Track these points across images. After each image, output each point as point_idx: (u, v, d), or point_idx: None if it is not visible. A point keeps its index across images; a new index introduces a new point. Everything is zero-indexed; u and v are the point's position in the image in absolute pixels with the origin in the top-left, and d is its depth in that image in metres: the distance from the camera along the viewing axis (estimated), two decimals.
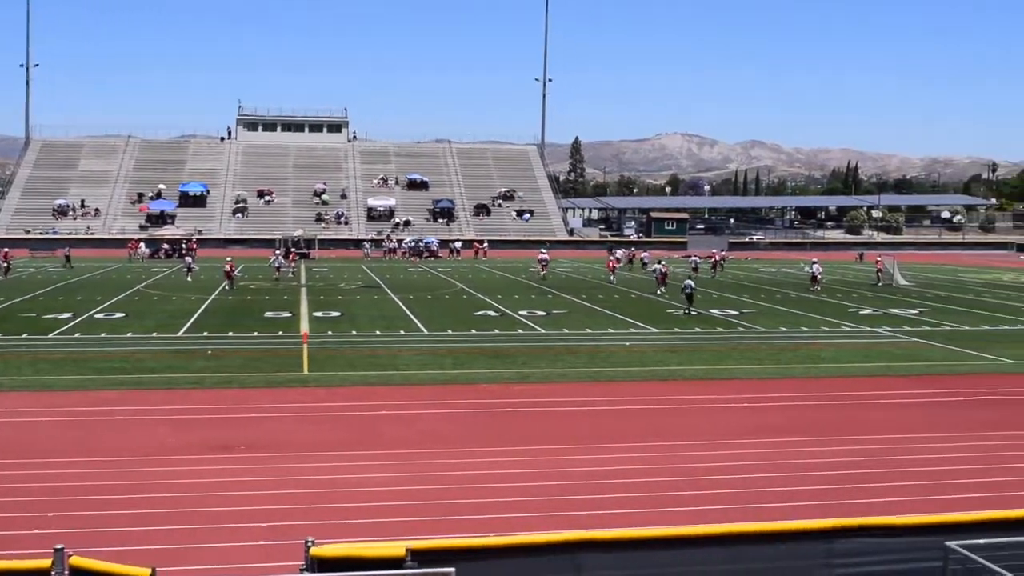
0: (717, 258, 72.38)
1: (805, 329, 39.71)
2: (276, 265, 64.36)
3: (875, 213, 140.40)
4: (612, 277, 63.80)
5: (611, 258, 70.19)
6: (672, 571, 10.70)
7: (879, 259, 67.84)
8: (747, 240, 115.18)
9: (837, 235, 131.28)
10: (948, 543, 10.53)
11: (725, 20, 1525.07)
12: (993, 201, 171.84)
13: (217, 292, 52.30)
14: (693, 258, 73.23)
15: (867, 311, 46.44)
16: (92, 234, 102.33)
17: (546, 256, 70.92)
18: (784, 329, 39.57)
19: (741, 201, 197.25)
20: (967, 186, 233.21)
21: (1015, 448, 20.68)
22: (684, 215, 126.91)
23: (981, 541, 10.49)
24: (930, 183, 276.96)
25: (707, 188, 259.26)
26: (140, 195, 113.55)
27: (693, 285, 46.56)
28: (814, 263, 59.94)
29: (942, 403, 25.39)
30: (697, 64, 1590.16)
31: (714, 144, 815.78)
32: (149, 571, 9.10)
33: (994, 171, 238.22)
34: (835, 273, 71.53)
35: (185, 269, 63.06)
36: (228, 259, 59.42)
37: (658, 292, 54.17)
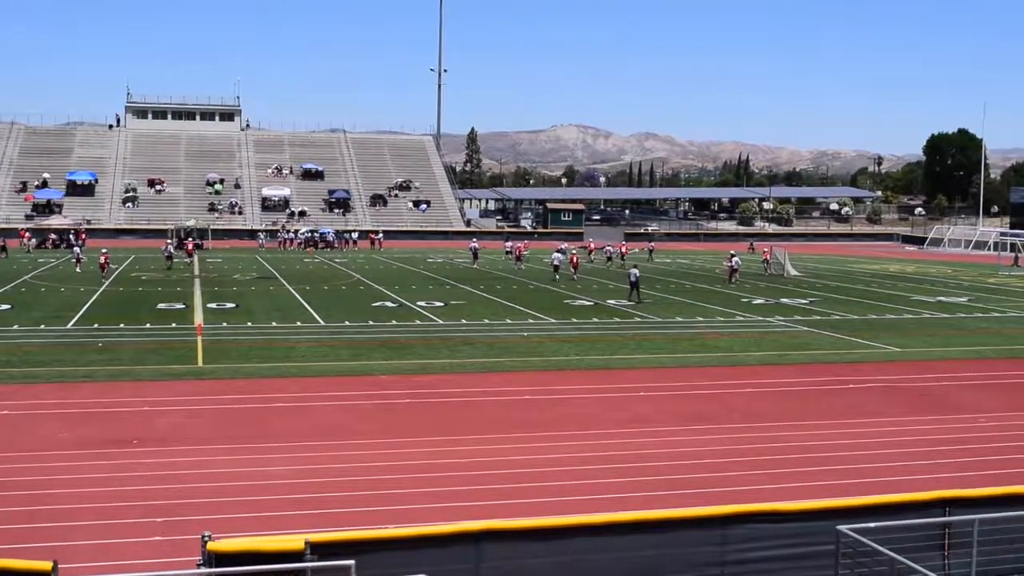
0: (624, 250, 73.77)
1: (700, 319, 40.30)
2: (167, 254, 63.62)
3: (766, 205, 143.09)
4: (521, 264, 67.62)
5: (519, 244, 73.36)
6: (571, 559, 10.82)
7: (766, 250, 69.34)
8: (642, 231, 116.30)
9: (730, 226, 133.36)
10: (839, 527, 10.81)
11: (618, 12, 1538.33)
12: (879, 193, 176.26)
13: (108, 283, 51.20)
14: (607, 248, 74.74)
15: (760, 301, 47.31)
16: None
17: (477, 245, 73.30)
18: (680, 319, 40.11)
19: (636, 192, 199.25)
20: (854, 179, 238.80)
21: (902, 433, 21.28)
22: (580, 206, 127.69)
23: (871, 525, 10.79)
24: (819, 176, 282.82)
25: (602, 179, 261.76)
26: (24, 184, 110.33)
27: (638, 274, 47.46)
28: (732, 255, 60.88)
29: (832, 390, 25.99)
30: (591, 56, 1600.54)
31: (608, 136, 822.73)
32: (51, 564, 8.89)
33: (879, 164, 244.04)
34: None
35: (74, 260, 61.56)
36: (104, 251, 58.52)
37: (556, 278, 56.73)
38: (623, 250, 73.28)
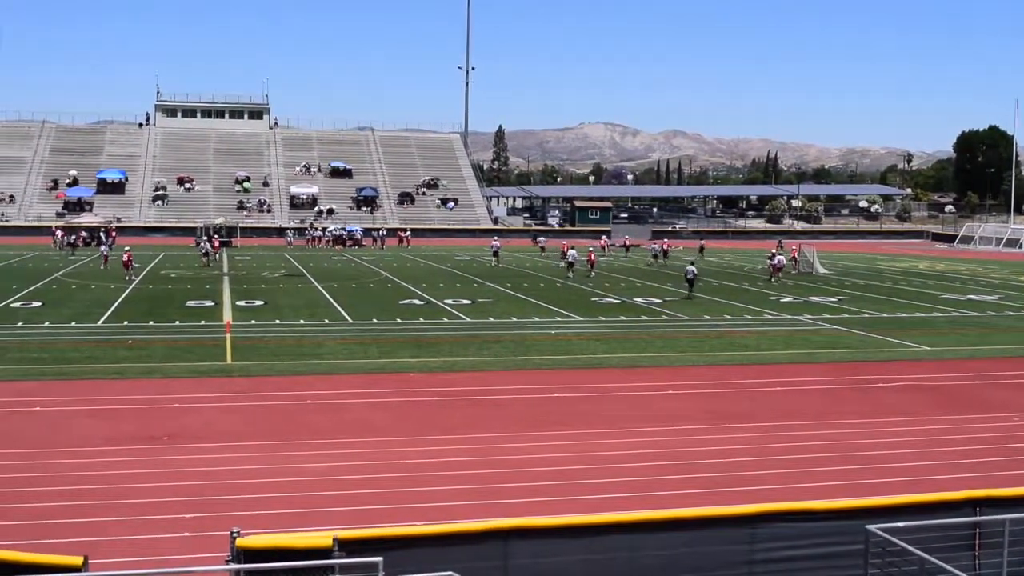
0: (667, 247, 73.70)
1: (728, 317, 40.17)
2: (204, 251, 64.61)
3: (795, 203, 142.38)
4: (562, 263, 65.69)
5: (564, 241, 73.72)
6: (601, 557, 10.79)
7: (794, 248, 69.00)
8: (670, 229, 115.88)
9: (758, 224, 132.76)
10: (869, 527, 10.74)
11: (647, 9, 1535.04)
12: (908, 191, 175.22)
13: (137, 281, 51.50)
14: (653, 246, 75.27)
15: (788, 299, 47.09)
16: (7, 221, 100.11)
17: (498, 244, 73.09)
18: (707, 317, 39.99)
19: (664, 190, 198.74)
20: (883, 176, 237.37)
21: (932, 432, 21.14)
22: (608, 204, 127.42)
23: (900, 524, 10.71)
24: (848, 173, 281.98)
25: (630, 177, 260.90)
26: (55, 182, 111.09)
27: (695, 271, 48.48)
28: (775, 254, 60.70)
29: (861, 389, 25.85)
30: (619, 53, 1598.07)
31: (636, 133, 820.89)
32: (81, 559, 8.96)
33: (909, 161, 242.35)
34: (756, 261, 72.41)
35: (102, 258, 61.91)
36: (127, 248, 59.08)
37: (569, 275, 57.46)
38: (666, 247, 73.14)
